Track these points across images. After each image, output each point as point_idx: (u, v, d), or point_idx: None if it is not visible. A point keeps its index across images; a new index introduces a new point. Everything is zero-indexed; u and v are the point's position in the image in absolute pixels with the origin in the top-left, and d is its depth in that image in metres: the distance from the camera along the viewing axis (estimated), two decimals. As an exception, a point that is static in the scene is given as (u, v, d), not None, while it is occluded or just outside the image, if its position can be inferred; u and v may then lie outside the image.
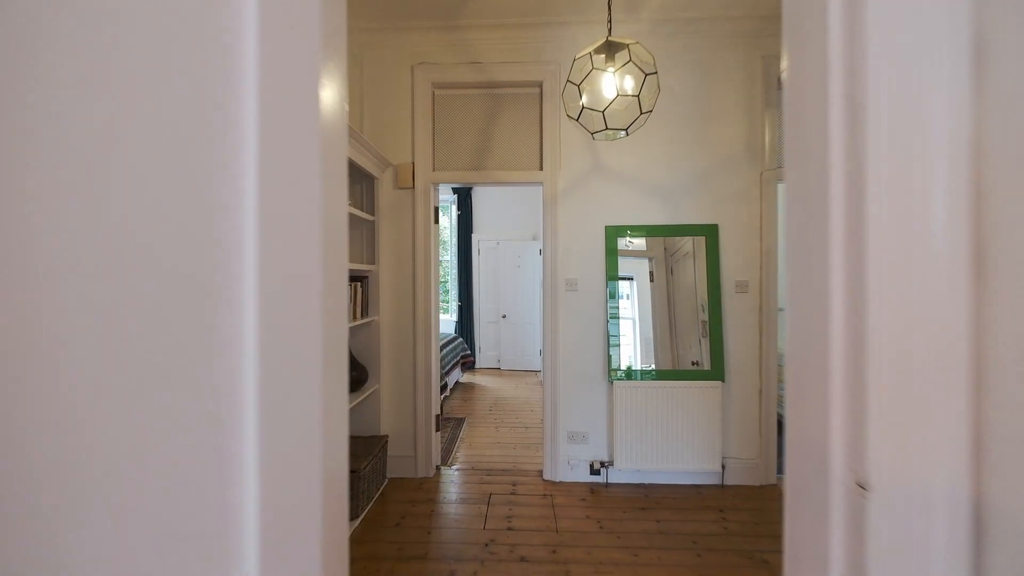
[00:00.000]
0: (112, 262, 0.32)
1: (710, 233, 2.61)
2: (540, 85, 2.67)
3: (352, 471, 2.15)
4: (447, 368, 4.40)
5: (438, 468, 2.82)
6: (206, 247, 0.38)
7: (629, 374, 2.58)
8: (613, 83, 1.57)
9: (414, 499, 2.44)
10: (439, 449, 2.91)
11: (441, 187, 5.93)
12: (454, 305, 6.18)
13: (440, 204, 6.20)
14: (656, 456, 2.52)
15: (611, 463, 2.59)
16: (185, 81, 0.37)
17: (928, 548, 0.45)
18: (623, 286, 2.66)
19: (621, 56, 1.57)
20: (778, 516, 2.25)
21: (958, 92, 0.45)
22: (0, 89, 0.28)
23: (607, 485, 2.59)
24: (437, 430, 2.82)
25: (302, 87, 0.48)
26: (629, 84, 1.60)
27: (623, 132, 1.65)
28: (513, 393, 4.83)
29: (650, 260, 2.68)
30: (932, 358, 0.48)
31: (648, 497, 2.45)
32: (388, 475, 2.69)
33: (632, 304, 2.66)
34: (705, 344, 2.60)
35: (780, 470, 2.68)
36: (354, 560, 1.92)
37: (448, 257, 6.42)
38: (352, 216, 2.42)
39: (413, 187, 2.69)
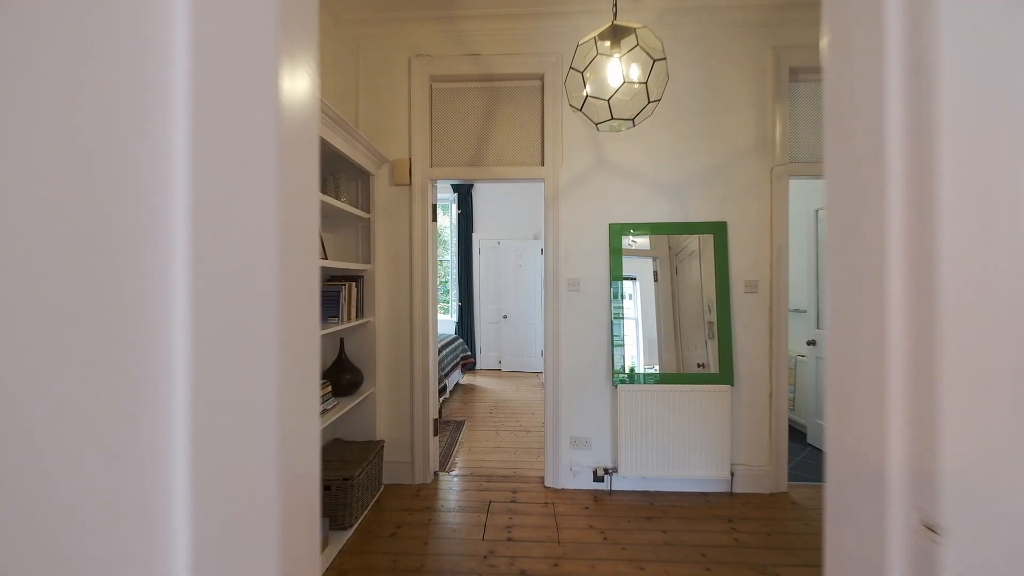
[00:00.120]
0: (17, 259, 0.30)
1: (718, 231, 2.51)
2: (541, 78, 2.57)
3: (345, 478, 2.07)
4: (447, 370, 4.31)
5: (436, 474, 2.73)
6: (126, 240, 0.34)
7: (633, 377, 2.49)
8: (619, 70, 1.47)
9: (411, 507, 2.35)
10: (437, 454, 2.82)
11: (440, 185, 5.88)
12: (454, 305, 6.09)
13: (440, 203, 6.15)
14: (662, 463, 2.42)
15: (615, 470, 2.50)
16: (103, 57, 0.33)
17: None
18: (626, 286, 2.56)
19: (627, 41, 1.47)
20: (790, 527, 2.15)
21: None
22: None
23: (611, 493, 2.50)
24: (435, 435, 2.73)
25: (251, 66, 0.43)
26: (636, 71, 1.50)
27: (629, 122, 1.56)
28: (514, 395, 4.74)
29: (654, 259, 2.59)
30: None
31: (654, 505, 2.35)
32: (384, 482, 2.60)
33: (635, 304, 2.57)
34: (711, 346, 2.50)
35: (791, 478, 2.58)
36: (346, 573, 1.83)
37: (448, 257, 6.34)
38: (347, 214, 2.34)
39: (410, 183, 2.60)
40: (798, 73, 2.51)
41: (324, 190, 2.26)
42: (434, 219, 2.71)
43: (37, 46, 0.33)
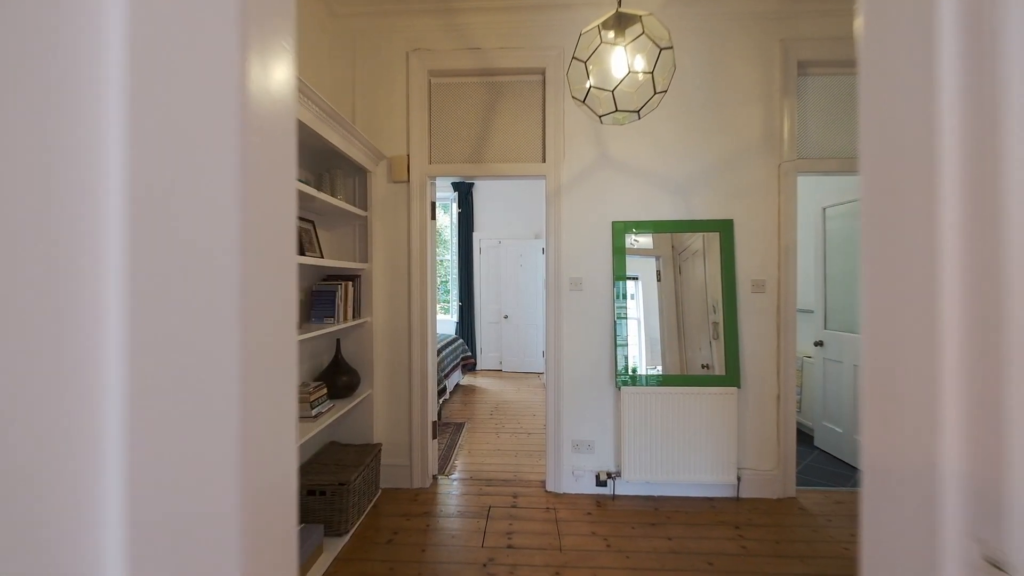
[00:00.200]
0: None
1: (724, 229, 2.44)
2: (543, 72, 2.51)
3: (341, 483, 2.01)
4: (447, 370, 4.26)
5: (435, 478, 2.67)
6: (53, 233, 0.30)
7: (637, 379, 2.42)
8: (624, 59, 1.41)
9: (408, 512, 2.29)
10: (436, 457, 2.76)
11: (440, 184, 5.83)
12: (455, 305, 6.03)
13: (441, 202, 6.11)
14: (667, 467, 2.36)
15: (618, 474, 2.43)
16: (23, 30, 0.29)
17: None
18: (628, 286, 2.50)
19: (632, 30, 1.41)
20: (800, 534, 2.08)
21: None
22: None
23: (614, 497, 2.43)
24: (434, 437, 2.68)
25: (205, 40, 0.38)
26: (640, 62, 1.44)
27: (635, 115, 1.50)
28: (515, 396, 4.68)
29: (657, 259, 2.52)
30: None
31: (658, 511, 2.29)
32: (382, 485, 2.54)
33: (638, 304, 2.50)
34: (716, 346, 2.44)
35: (799, 482, 2.51)
36: (341, 582, 1.77)
37: (449, 256, 6.28)
38: (343, 212, 2.28)
39: (408, 181, 2.54)
40: (807, 66, 2.44)
41: (320, 187, 2.21)
42: (433, 217, 2.66)
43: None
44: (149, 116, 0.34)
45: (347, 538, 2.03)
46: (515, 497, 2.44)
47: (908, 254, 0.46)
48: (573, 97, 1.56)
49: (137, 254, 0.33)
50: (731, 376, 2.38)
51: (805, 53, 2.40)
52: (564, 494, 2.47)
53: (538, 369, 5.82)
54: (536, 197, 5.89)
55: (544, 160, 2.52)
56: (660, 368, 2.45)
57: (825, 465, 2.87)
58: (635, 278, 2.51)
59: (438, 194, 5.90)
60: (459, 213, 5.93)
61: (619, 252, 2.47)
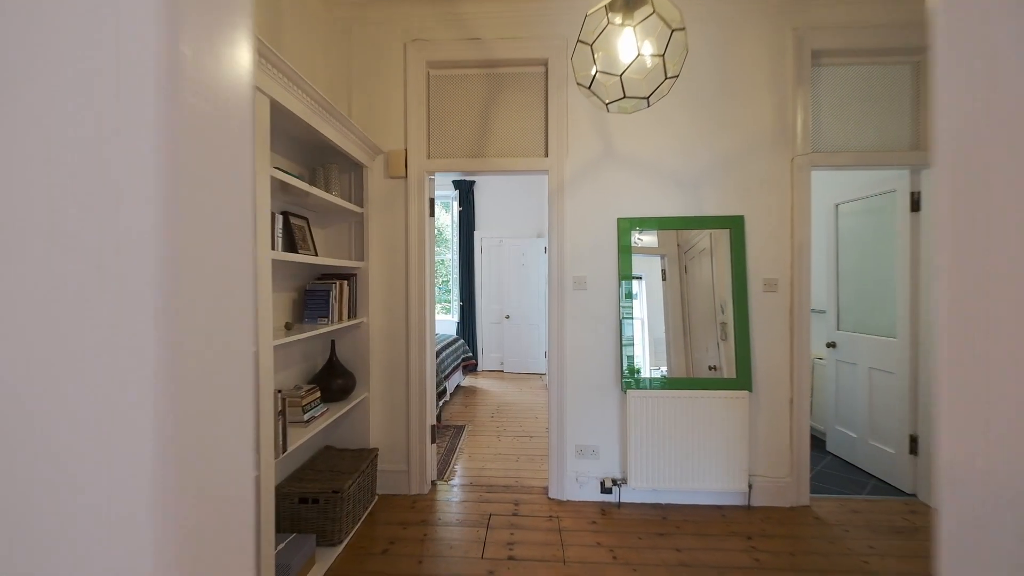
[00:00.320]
0: None
1: (735, 226, 2.34)
2: (545, 63, 2.42)
3: (334, 491, 1.92)
4: (447, 372, 4.17)
5: (434, 483, 2.58)
6: None
7: (642, 381, 2.32)
8: (632, 42, 1.32)
9: (405, 520, 2.20)
10: (435, 462, 2.67)
11: (441, 182, 5.75)
12: (456, 305, 5.94)
13: (442, 200, 6.03)
14: (675, 473, 2.26)
15: (624, 481, 2.34)
16: None
17: None
18: (632, 285, 2.40)
19: (642, 10, 1.31)
20: (815, 545, 1.98)
21: None
22: None
23: (619, 505, 2.34)
24: (432, 442, 2.59)
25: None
26: (650, 45, 1.34)
27: (643, 102, 1.40)
28: (517, 398, 4.59)
29: (662, 257, 2.43)
30: None
31: (666, 520, 2.19)
32: (378, 492, 2.46)
33: (641, 305, 2.41)
34: (724, 347, 2.34)
35: (813, 490, 2.41)
36: (333, 596, 1.68)
37: (450, 255, 6.20)
38: (338, 208, 2.19)
39: (406, 176, 2.46)
40: (821, 56, 2.34)
41: (314, 182, 2.12)
42: (432, 214, 2.57)
43: None
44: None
45: (341, 548, 1.95)
46: (516, 504, 2.34)
47: (1004, 244, 0.39)
48: (578, 84, 1.47)
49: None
50: (742, 379, 2.28)
51: (819, 42, 2.30)
52: (567, 501, 2.38)
53: (540, 370, 5.73)
54: (538, 195, 5.81)
55: (547, 155, 2.43)
56: (665, 369, 2.36)
57: (838, 471, 2.77)
58: (639, 277, 2.41)
59: (439, 192, 5.83)
60: (460, 211, 5.85)
61: (624, 251, 2.38)
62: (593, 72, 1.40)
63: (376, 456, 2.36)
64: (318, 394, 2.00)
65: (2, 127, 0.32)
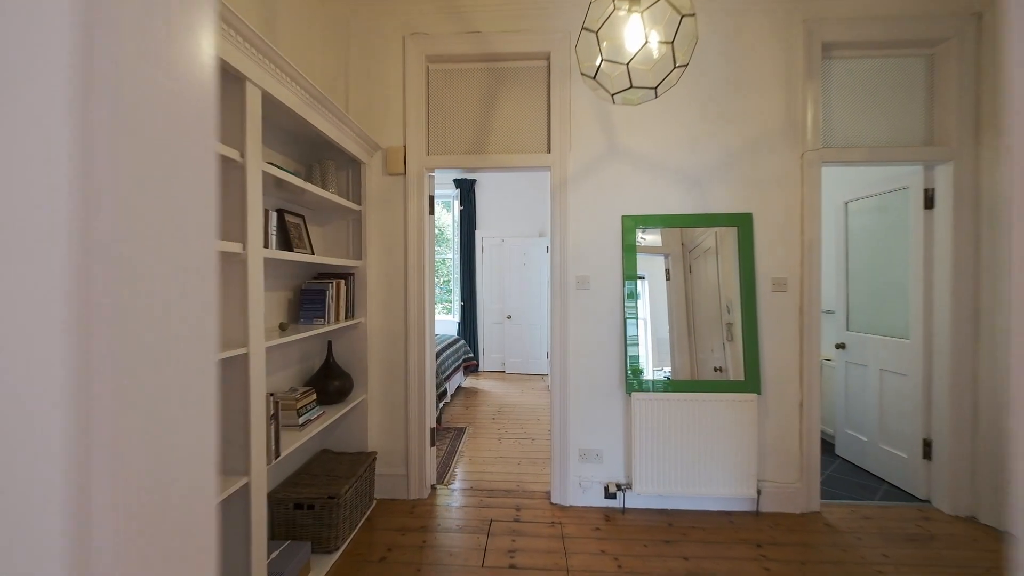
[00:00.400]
0: None
1: (743, 223, 2.28)
2: (547, 57, 2.36)
3: (330, 497, 1.86)
4: (447, 373, 4.11)
5: (433, 488, 2.52)
6: None
7: (647, 384, 2.26)
8: (640, 28, 1.25)
9: (404, 526, 2.14)
10: (435, 466, 2.61)
11: (442, 181, 5.70)
12: (457, 305, 5.89)
13: (443, 199, 5.97)
14: (681, 478, 2.20)
15: (629, 486, 2.27)
16: None
17: None
18: (636, 285, 2.34)
19: (649, -4, 1.25)
20: (828, 554, 1.91)
21: None
22: None
23: (624, 511, 2.28)
24: (432, 445, 2.53)
25: None
26: (659, 32, 1.28)
27: (651, 92, 1.34)
28: (518, 399, 4.53)
29: (666, 257, 2.37)
30: None
31: (673, 527, 2.13)
32: (376, 496, 2.40)
33: (644, 305, 2.34)
34: (730, 348, 2.27)
35: (823, 495, 2.34)
36: (328, 606, 1.63)
37: (451, 255, 6.14)
38: (335, 206, 2.14)
39: (405, 173, 2.40)
40: (832, 49, 2.27)
41: (310, 179, 2.07)
42: (431, 212, 2.51)
43: None
44: None
45: (337, 555, 1.89)
46: (518, 510, 2.28)
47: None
48: (583, 74, 1.41)
49: None
50: (751, 381, 2.22)
51: (830, 34, 2.23)
52: (570, 507, 2.32)
53: (542, 371, 5.67)
54: (540, 194, 5.74)
55: (549, 151, 2.37)
56: (669, 370, 2.29)
57: (848, 475, 2.70)
58: (642, 277, 2.35)
59: (440, 191, 5.78)
60: (461, 211, 5.79)
61: (629, 249, 2.32)
62: (598, 61, 1.34)
63: (374, 460, 2.30)
64: (314, 396, 1.94)
65: None
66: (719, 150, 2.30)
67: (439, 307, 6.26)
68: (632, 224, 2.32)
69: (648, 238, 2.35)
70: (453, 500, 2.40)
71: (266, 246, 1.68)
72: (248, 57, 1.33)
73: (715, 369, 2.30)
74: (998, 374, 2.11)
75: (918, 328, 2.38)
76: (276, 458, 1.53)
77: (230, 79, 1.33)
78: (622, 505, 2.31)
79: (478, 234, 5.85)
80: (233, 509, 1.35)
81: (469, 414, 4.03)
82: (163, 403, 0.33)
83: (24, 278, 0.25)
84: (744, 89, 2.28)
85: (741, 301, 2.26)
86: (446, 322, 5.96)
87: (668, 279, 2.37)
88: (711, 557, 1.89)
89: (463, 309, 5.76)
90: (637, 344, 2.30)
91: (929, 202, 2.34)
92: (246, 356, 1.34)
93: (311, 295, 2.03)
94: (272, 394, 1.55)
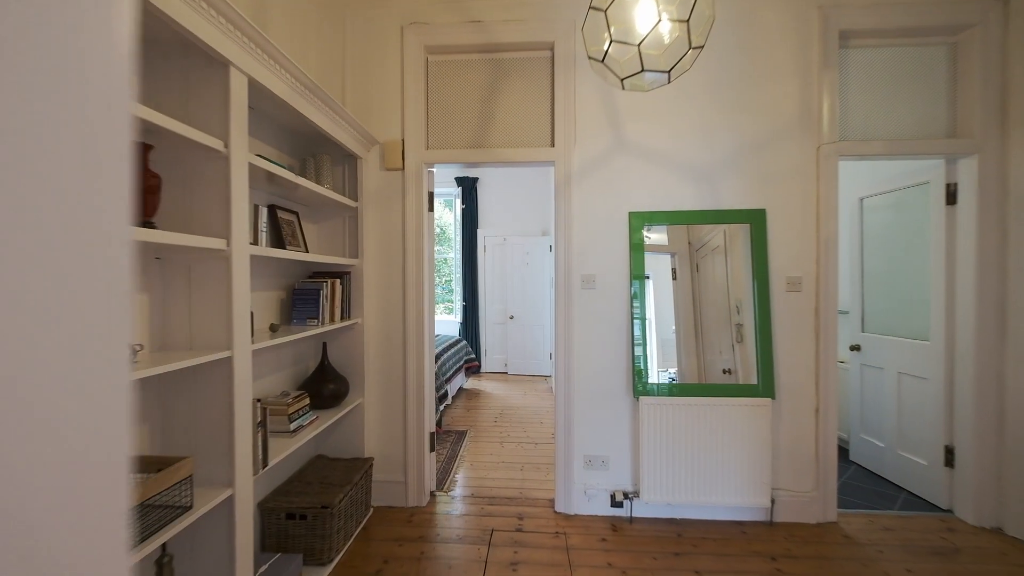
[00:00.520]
0: None
1: (756, 220, 2.18)
2: (551, 47, 2.27)
3: (323, 506, 1.78)
4: (448, 374, 4.02)
5: (432, 495, 2.43)
6: None
7: (657, 387, 2.16)
8: (653, 6, 1.16)
9: (401, 536, 2.05)
10: (434, 472, 2.52)
11: (444, 179, 5.61)
12: (458, 305, 5.80)
13: (444, 198, 5.88)
14: (691, 486, 2.10)
15: (636, 494, 2.18)
16: None
17: None
18: (643, 285, 2.25)
19: (662, -28, 1.16)
20: (847, 568, 1.81)
21: None
22: None
23: (631, 520, 2.18)
24: (431, 450, 2.44)
25: None
26: (670, 14, 1.19)
27: (664, 76, 1.25)
28: (521, 401, 4.44)
29: (672, 256, 2.27)
30: None
31: (682, 537, 2.03)
32: (373, 503, 2.32)
33: (649, 305, 2.25)
34: (740, 350, 2.18)
35: (839, 503, 2.24)
36: (320, 623, 1.54)
37: (452, 254, 6.05)
38: (330, 202, 2.05)
39: (403, 168, 2.31)
40: (849, 37, 2.17)
41: (304, 173, 1.98)
42: (431, 208, 2.42)
43: None
44: None
45: (331, 568, 1.80)
46: (521, 519, 2.19)
47: None
48: (590, 58, 1.31)
49: None
50: (764, 386, 2.12)
51: (847, 22, 2.13)
52: (575, 515, 2.22)
53: (545, 372, 5.58)
54: (543, 192, 5.65)
55: (553, 144, 2.28)
56: (675, 372, 2.20)
57: (864, 483, 2.59)
58: (647, 277, 2.25)
59: (441, 190, 5.69)
60: (463, 209, 5.71)
61: (637, 248, 2.22)
62: (607, 44, 1.24)
63: (371, 466, 2.21)
64: (307, 401, 1.86)
65: None
66: (731, 143, 2.20)
67: (441, 307, 6.18)
68: (640, 221, 2.23)
69: (653, 236, 2.25)
70: (453, 508, 2.31)
71: (256, 243, 1.59)
72: (232, 41, 1.24)
73: (724, 371, 2.20)
74: (1027, 378, 2.00)
75: (939, 329, 2.27)
76: (264, 467, 1.45)
77: (213, 64, 1.24)
78: (629, 514, 2.21)
79: (480, 233, 5.76)
80: (215, 523, 1.27)
81: (470, 417, 3.94)
82: (53, 422, 0.25)
83: None
84: (757, 79, 2.18)
85: (753, 301, 2.17)
86: (448, 322, 5.88)
87: (675, 278, 2.28)
88: (724, 571, 1.79)
89: (465, 309, 5.67)
90: (644, 346, 2.20)
91: (951, 197, 2.23)
92: (229, 360, 1.26)
93: (304, 295, 1.95)
94: (259, 400, 1.47)
